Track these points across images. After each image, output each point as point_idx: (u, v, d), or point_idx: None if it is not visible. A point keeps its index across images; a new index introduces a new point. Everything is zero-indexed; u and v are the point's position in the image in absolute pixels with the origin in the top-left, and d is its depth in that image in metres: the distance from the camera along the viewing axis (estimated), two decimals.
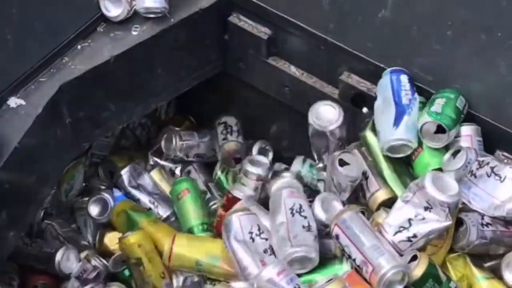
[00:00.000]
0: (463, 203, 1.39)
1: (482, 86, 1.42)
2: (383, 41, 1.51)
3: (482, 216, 1.39)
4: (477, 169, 1.40)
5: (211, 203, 1.82)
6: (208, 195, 1.85)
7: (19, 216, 1.52)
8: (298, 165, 1.83)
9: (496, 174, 1.38)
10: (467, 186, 1.41)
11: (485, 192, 1.40)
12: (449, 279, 1.34)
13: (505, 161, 1.43)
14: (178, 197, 1.77)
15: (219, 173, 1.90)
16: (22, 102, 1.48)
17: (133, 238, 1.67)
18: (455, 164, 1.41)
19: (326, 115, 1.49)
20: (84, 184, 1.92)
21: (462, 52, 1.43)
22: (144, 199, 1.83)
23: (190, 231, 1.71)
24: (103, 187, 1.90)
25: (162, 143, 1.90)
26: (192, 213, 1.75)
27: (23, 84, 1.50)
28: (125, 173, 1.84)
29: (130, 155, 1.97)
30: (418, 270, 1.31)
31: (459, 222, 1.38)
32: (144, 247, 1.66)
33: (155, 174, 1.88)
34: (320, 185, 1.74)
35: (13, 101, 1.48)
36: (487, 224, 1.39)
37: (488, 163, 1.39)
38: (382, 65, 1.50)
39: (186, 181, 1.80)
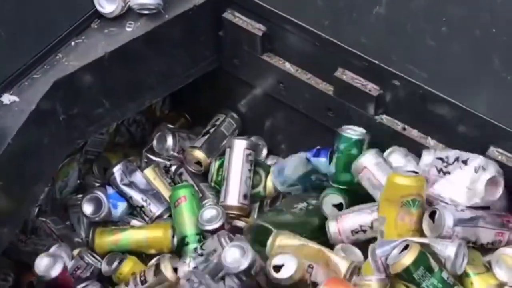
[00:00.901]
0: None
1: (477, 82, 1.42)
2: (378, 37, 1.51)
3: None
4: (445, 166, 1.43)
5: (203, 202, 1.81)
6: (200, 195, 1.84)
7: (13, 213, 1.51)
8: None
9: (463, 162, 1.43)
10: (439, 183, 1.44)
11: (455, 184, 1.43)
12: (441, 269, 1.35)
13: (499, 157, 1.43)
14: (175, 205, 1.77)
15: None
16: (16, 98, 1.48)
17: (125, 267, 1.69)
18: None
19: None
20: (78, 181, 1.92)
21: (456, 49, 1.43)
22: (137, 196, 1.83)
23: (184, 240, 1.72)
24: (97, 184, 1.90)
25: (154, 142, 1.89)
26: (187, 222, 1.75)
27: (16, 80, 1.49)
28: (117, 170, 1.83)
29: (125, 152, 1.96)
30: (408, 257, 1.33)
31: (434, 214, 1.39)
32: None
33: (149, 172, 1.87)
34: None
35: (7, 98, 1.48)
36: (463, 210, 1.41)
37: (453, 158, 1.42)
38: (376, 62, 1.50)
39: (183, 188, 1.79)
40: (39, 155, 1.53)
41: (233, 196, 1.76)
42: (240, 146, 1.78)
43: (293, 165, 1.74)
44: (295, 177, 1.74)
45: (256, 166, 1.83)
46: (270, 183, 1.82)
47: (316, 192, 1.71)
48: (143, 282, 1.61)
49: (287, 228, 1.59)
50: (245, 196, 1.76)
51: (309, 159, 1.69)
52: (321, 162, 1.68)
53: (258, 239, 1.62)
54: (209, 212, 1.72)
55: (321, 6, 1.55)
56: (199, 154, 1.84)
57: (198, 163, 1.85)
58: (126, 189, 1.83)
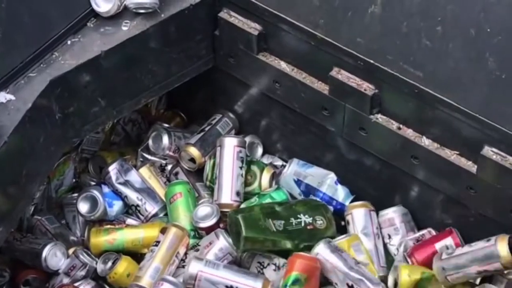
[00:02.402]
0: None
1: (471, 81, 1.43)
2: (373, 36, 1.51)
3: None
4: None
5: (199, 203, 1.81)
6: (196, 195, 1.84)
7: (8, 212, 1.51)
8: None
9: None
10: None
11: None
12: None
13: (494, 156, 1.44)
14: (170, 201, 1.78)
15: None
16: (12, 97, 1.48)
17: (120, 267, 1.70)
18: None
19: None
20: (74, 180, 1.92)
21: (451, 48, 1.43)
22: (132, 195, 1.83)
23: None
24: (93, 183, 1.90)
25: (150, 142, 1.89)
26: (183, 218, 1.76)
27: (13, 79, 1.50)
28: (112, 169, 1.83)
29: (121, 151, 1.96)
30: None
31: None
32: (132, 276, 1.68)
33: (144, 171, 1.87)
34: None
35: (3, 96, 1.47)
36: None
37: None
38: (372, 61, 1.50)
39: (179, 185, 1.80)
40: (35, 153, 1.53)
41: (226, 194, 1.76)
42: (230, 143, 1.79)
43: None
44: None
45: (250, 164, 1.84)
46: (265, 180, 1.83)
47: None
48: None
49: (257, 232, 1.63)
50: (237, 193, 1.77)
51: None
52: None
53: (231, 228, 1.67)
54: (204, 209, 1.74)
55: (317, 5, 1.55)
56: (193, 151, 1.84)
57: (192, 160, 1.85)
58: (122, 188, 1.83)
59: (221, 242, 1.67)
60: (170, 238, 1.65)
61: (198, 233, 1.74)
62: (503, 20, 1.39)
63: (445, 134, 1.51)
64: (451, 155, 1.52)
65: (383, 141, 1.60)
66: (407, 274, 1.58)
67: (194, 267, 1.58)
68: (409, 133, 1.55)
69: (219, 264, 1.61)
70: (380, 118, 1.58)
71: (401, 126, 1.56)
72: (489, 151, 1.44)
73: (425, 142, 1.54)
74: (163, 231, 1.67)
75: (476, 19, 1.40)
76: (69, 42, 1.57)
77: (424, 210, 1.71)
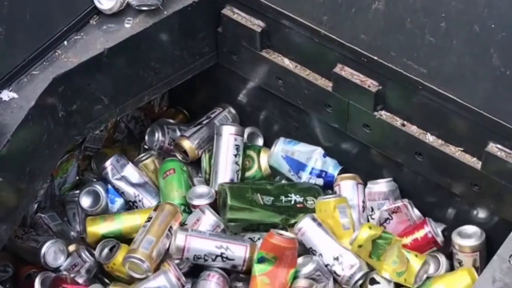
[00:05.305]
0: None
1: (476, 78, 1.42)
2: (376, 33, 1.50)
3: None
4: None
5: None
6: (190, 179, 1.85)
7: (11, 210, 1.51)
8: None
9: None
10: None
11: None
12: None
13: (499, 153, 1.43)
14: (163, 176, 1.80)
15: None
16: (15, 95, 1.48)
17: (120, 257, 1.69)
18: None
19: None
20: (77, 177, 1.92)
21: (455, 44, 1.43)
22: (129, 191, 1.83)
23: None
24: (96, 180, 1.90)
25: (146, 137, 1.90)
26: (175, 193, 1.77)
27: (15, 77, 1.49)
28: (108, 165, 1.83)
29: (123, 148, 1.97)
30: None
31: None
32: None
33: (149, 162, 1.88)
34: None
35: (6, 94, 1.47)
36: None
37: None
38: (375, 58, 1.50)
39: (173, 162, 1.82)
40: (38, 151, 1.53)
41: (220, 181, 1.77)
42: (226, 131, 1.79)
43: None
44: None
45: (245, 149, 1.84)
46: (264, 161, 1.85)
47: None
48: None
49: (243, 203, 1.65)
50: (231, 182, 1.77)
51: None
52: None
53: (219, 201, 1.71)
54: (201, 188, 1.77)
55: (320, 2, 1.55)
56: (186, 144, 1.84)
57: (185, 152, 1.85)
58: (119, 184, 1.82)
59: (208, 217, 1.69)
60: (162, 213, 1.66)
61: (189, 208, 1.75)
62: (507, 16, 1.38)
63: (449, 131, 1.51)
64: (455, 152, 1.51)
65: (387, 137, 1.60)
66: (367, 227, 1.59)
67: (180, 238, 1.60)
68: (413, 129, 1.55)
69: (205, 232, 1.65)
70: (384, 114, 1.57)
71: (405, 122, 1.56)
72: (493, 148, 1.44)
73: (430, 138, 1.54)
74: (156, 209, 1.68)
75: (480, 15, 1.40)
76: (72, 39, 1.56)
77: (428, 207, 1.70)
